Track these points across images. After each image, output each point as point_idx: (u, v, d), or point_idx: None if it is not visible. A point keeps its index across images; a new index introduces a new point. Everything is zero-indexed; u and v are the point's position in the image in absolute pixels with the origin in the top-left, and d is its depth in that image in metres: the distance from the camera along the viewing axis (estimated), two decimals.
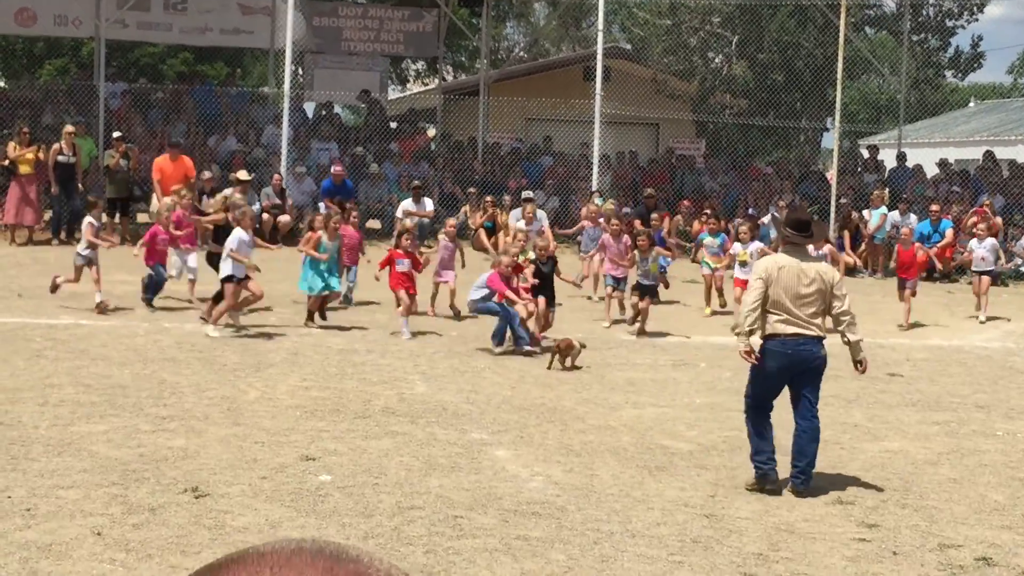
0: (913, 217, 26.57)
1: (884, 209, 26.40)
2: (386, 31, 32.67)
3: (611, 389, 13.43)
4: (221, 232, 16.82)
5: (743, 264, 18.06)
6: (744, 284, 17.08)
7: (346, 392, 12.44)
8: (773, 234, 25.50)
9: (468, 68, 47.28)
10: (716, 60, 37.43)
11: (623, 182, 30.27)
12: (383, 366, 14.00)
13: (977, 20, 36.84)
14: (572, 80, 32.73)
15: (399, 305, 16.16)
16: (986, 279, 19.58)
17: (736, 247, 18.79)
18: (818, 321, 9.44)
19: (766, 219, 26.33)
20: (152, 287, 17.30)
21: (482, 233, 24.27)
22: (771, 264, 9.61)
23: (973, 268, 19.92)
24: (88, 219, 17.33)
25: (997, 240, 25.34)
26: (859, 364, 9.71)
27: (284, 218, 24.60)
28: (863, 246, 25.93)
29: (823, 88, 33.82)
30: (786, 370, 9.49)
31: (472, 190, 27.14)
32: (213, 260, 16.93)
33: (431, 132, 33.99)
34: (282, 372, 13.29)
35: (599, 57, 28.14)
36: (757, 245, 18.54)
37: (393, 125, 32.00)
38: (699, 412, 12.40)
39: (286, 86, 27.04)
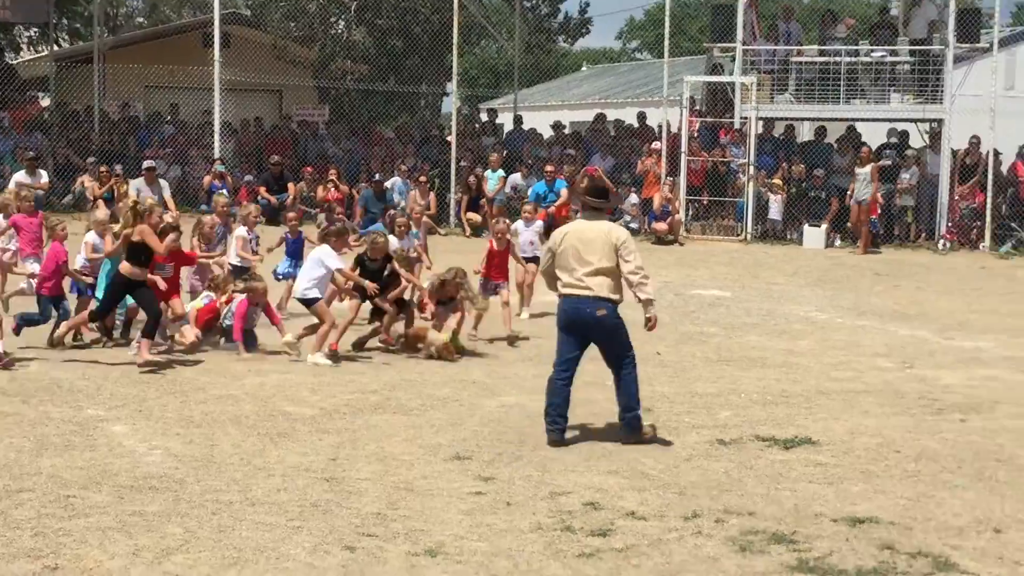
0: (517, 177, 27.33)
1: (502, 172, 27.13)
2: None
3: (236, 359, 13.32)
4: (136, 251, 12.71)
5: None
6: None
7: None
8: (396, 197, 25.90)
9: (85, 35, 45.58)
10: (337, 26, 37.44)
11: (247, 149, 30.02)
12: None
13: None
14: (191, 46, 32.08)
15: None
16: (532, 267, 16.07)
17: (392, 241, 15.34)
18: (599, 280, 9.84)
19: (389, 183, 26.61)
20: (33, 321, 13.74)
21: (101, 204, 23.57)
22: (558, 233, 10.24)
23: (520, 253, 16.45)
24: None
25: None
26: (648, 321, 10.11)
27: None
28: (483, 207, 26.56)
29: (442, 53, 34.38)
30: (571, 329, 10.01)
31: (92, 159, 26.37)
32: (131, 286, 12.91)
33: (44, 101, 32.68)
34: None
35: (216, 23, 27.80)
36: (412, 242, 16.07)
37: None
38: (322, 377, 12.47)
39: None
